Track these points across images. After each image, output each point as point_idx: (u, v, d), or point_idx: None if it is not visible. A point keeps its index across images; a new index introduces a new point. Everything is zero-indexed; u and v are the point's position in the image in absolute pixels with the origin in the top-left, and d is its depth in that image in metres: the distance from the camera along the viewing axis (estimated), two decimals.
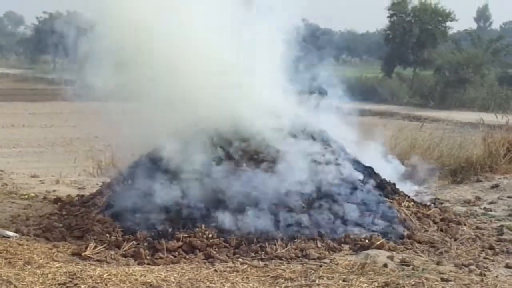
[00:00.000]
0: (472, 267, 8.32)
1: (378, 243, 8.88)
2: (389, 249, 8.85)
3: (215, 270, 7.93)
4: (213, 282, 7.55)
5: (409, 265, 8.26)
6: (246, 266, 8.15)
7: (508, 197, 12.59)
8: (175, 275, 7.67)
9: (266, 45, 10.39)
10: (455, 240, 9.56)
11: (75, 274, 7.49)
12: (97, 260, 8.34)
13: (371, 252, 8.66)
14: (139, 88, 10.18)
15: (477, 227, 10.38)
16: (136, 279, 7.45)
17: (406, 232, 9.49)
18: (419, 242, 9.28)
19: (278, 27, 10.50)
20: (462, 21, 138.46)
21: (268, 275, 7.79)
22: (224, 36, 10.13)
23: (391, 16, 59.25)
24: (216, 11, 10.21)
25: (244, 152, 9.92)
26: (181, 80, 9.91)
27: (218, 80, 9.91)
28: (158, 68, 9.96)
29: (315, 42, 11.36)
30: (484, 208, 11.89)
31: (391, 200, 10.26)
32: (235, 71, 10.01)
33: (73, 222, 9.82)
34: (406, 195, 10.89)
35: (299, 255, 8.58)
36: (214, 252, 8.54)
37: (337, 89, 11.58)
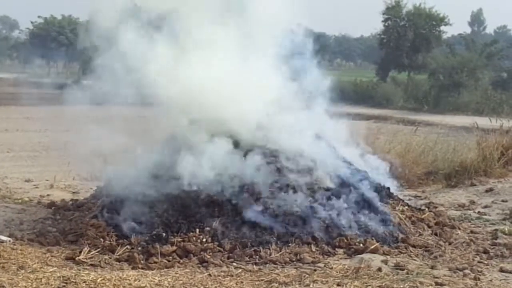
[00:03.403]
0: (467, 271, 8.33)
1: (373, 247, 8.89)
2: (384, 253, 8.85)
3: (209, 275, 7.93)
4: (207, 286, 7.54)
5: (403, 269, 8.26)
6: (240, 270, 8.14)
7: (502, 201, 12.61)
8: (169, 280, 7.66)
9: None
10: (450, 244, 9.57)
11: (69, 278, 7.47)
12: (91, 265, 8.34)
13: (366, 256, 8.66)
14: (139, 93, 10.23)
15: (471, 231, 10.39)
16: (130, 284, 7.44)
17: (400, 236, 9.49)
18: (414, 246, 9.29)
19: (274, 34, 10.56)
20: (456, 26, 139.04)
21: (262, 279, 7.79)
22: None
23: (385, 20, 59.29)
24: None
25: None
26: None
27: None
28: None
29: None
30: (479, 212, 11.91)
31: (386, 204, 10.26)
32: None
33: (67, 226, 9.81)
34: (401, 199, 10.91)
35: (294, 259, 8.59)
36: (208, 257, 8.54)
37: (332, 93, 11.58)
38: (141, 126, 10.87)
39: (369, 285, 7.57)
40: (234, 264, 8.41)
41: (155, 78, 9.98)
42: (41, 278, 7.49)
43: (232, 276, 7.93)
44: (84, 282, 7.40)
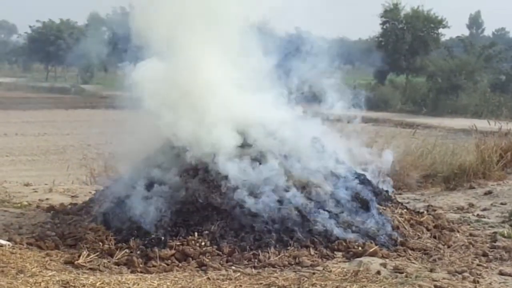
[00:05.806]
0: (466, 274, 8.32)
1: (371, 250, 8.88)
2: (382, 256, 8.84)
3: (208, 278, 7.92)
4: None
5: (402, 272, 8.25)
6: (239, 274, 8.14)
7: (501, 203, 12.60)
8: (168, 283, 7.66)
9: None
10: (449, 247, 9.57)
11: (68, 282, 7.48)
12: (90, 269, 8.33)
13: (364, 259, 8.65)
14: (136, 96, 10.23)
15: (470, 234, 10.38)
16: (129, 287, 7.44)
17: (399, 239, 9.49)
18: (412, 249, 9.28)
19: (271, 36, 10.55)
20: (455, 28, 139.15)
21: (261, 283, 7.79)
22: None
23: (383, 23, 59.42)
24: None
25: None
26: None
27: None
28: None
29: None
30: (477, 215, 11.89)
31: (384, 207, 10.26)
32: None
33: (66, 230, 9.80)
34: (399, 202, 10.91)
35: (292, 262, 8.58)
36: (207, 260, 8.53)
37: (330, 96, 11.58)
38: (139, 130, 10.84)
39: None
40: (233, 267, 8.40)
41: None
42: (40, 282, 7.50)
43: (231, 279, 7.92)
44: (83, 286, 7.40)
